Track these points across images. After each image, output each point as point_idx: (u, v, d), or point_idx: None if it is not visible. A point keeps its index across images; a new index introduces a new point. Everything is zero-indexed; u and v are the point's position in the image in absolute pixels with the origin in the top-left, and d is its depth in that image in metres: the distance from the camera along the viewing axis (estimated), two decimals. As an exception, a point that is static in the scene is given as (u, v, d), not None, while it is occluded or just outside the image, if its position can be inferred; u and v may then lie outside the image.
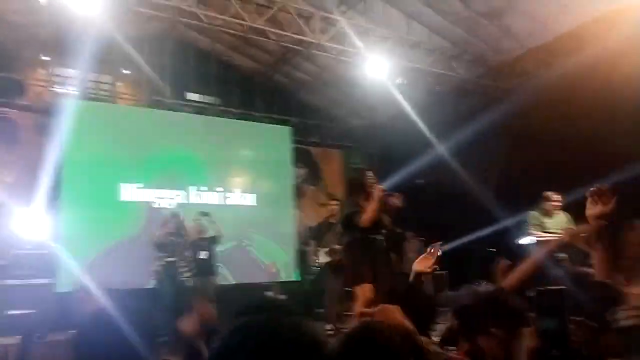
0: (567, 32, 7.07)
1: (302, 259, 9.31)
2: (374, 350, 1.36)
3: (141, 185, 8.36)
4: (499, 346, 1.63)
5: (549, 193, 6.46)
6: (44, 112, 8.25)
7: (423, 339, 1.96)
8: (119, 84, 9.35)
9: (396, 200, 4.58)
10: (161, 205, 8.29)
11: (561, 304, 1.27)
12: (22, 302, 6.39)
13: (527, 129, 7.37)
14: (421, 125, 9.18)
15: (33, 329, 5.46)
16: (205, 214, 6.94)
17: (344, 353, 1.35)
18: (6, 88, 7.98)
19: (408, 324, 1.72)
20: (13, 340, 4.84)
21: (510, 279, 2.27)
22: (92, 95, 9.08)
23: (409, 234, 8.23)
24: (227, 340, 0.86)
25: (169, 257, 6.54)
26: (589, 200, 2.14)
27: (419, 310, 2.01)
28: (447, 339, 2.51)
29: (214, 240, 6.96)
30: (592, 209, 2.10)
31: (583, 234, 2.20)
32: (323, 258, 6.41)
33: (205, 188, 8.91)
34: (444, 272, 8.30)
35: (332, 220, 6.73)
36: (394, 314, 1.73)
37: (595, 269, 2.09)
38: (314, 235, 7.22)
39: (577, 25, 6.89)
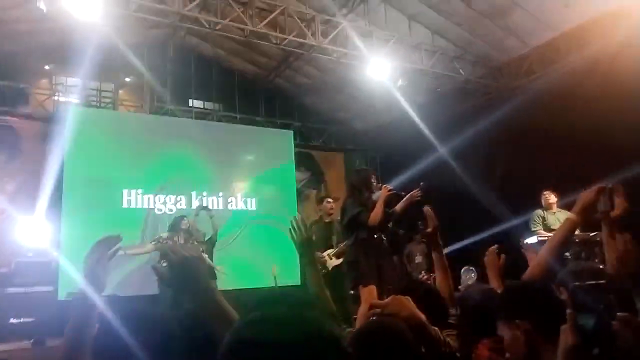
0: (570, 29, 7.05)
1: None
2: (386, 345, 1.32)
3: (143, 191, 8.34)
4: (522, 339, 1.58)
5: (546, 191, 6.49)
6: (46, 121, 8.26)
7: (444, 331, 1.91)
8: (121, 91, 9.36)
9: (417, 195, 4.43)
10: (163, 212, 8.27)
11: (602, 300, 1.21)
12: (24, 310, 6.36)
13: (530, 128, 7.32)
14: (423, 127, 9.15)
15: (35, 336, 5.44)
16: (204, 208, 6.83)
17: (356, 349, 1.32)
18: (9, 97, 7.98)
19: (420, 314, 1.67)
20: (20, 346, 4.82)
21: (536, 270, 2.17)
22: (94, 103, 9.09)
23: (414, 236, 8.17)
24: (243, 332, 0.82)
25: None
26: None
27: (432, 308, 1.95)
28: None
29: (211, 241, 6.81)
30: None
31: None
32: (330, 261, 6.20)
33: (207, 193, 8.87)
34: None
35: (327, 219, 6.28)
36: (406, 304, 1.68)
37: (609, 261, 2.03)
38: None
39: (580, 22, 6.86)
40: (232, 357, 0.80)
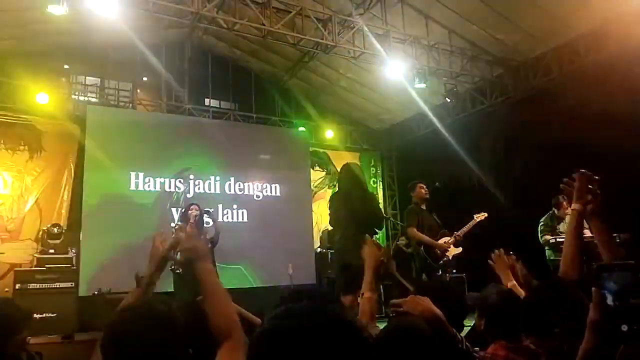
0: (589, 30, 6.97)
1: (320, 261, 9.28)
2: (408, 343, 1.36)
3: (162, 189, 8.47)
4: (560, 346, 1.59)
5: (560, 198, 6.44)
6: (66, 119, 8.39)
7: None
8: (138, 90, 9.47)
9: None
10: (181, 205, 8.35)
11: (627, 278, 1.23)
12: (45, 306, 6.48)
13: (547, 129, 7.27)
14: (439, 126, 9.14)
15: (58, 331, 5.56)
16: (206, 212, 6.73)
17: (379, 345, 1.35)
18: (30, 95, 8.10)
19: (437, 310, 1.71)
20: (48, 340, 4.95)
21: (566, 267, 2.12)
22: (113, 102, 9.21)
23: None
24: (271, 324, 0.89)
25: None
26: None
27: (450, 307, 1.97)
28: (472, 339, 2.47)
29: (212, 242, 6.77)
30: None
31: None
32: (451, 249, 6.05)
33: (225, 190, 9.02)
34: (462, 274, 8.25)
35: (423, 206, 6.04)
36: (425, 303, 1.72)
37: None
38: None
39: (599, 23, 6.79)
40: (261, 347, 0.87)
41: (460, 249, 5.95)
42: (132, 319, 1.39)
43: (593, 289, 1.19)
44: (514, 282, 2.81)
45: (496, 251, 2.89)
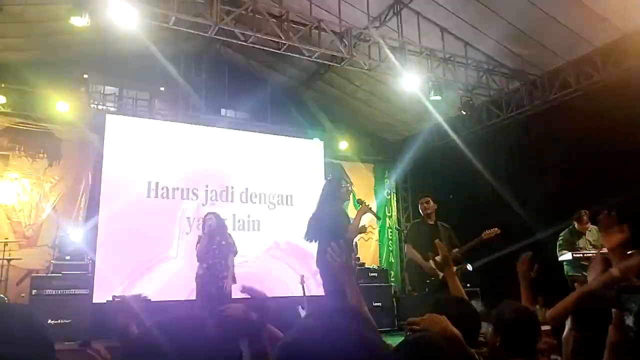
0: (607, 43, 6.93)
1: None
2: (424, 358, 1.36)
3: (177, 198, 8.53)
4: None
5: (581, 213, 6.36)
6: (85, 128, 8.51)
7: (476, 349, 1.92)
8: (156, 100, 9.59)
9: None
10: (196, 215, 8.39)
11: None
12: (60, 312, 6.55)
13: (565, 142, 7.21)
14: (455, 138, 9.10)
15: (73, 337, 5.60)
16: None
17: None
18: (50, 104, 8.26)
19: (454, 329, 1.69)
20: (65, 347, 5.00)
21: (554, 312, 2.17)
22: (130, 112, 9.34)
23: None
24: (291, 338, 0.90)
25: (210, 260, 6.30)
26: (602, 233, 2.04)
27: (465, 323, 1.95)
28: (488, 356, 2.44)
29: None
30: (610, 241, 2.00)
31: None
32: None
33: (239, 199, 9.05)
34: (477, 288, 8.16)
35: (429, 221, 5.84)
36: (442, 322, 1.71)
37: None
38: None
39: (618, 37, 6.75)
40: None
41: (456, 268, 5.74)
42: (160, 334, 1.38)
43: (613, 310, 1.18)
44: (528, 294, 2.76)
45: (525, 254, 2.80)
